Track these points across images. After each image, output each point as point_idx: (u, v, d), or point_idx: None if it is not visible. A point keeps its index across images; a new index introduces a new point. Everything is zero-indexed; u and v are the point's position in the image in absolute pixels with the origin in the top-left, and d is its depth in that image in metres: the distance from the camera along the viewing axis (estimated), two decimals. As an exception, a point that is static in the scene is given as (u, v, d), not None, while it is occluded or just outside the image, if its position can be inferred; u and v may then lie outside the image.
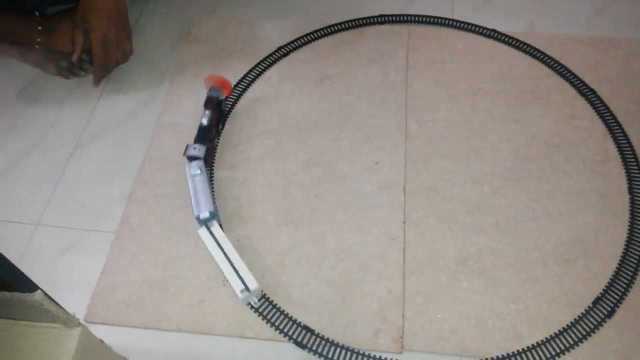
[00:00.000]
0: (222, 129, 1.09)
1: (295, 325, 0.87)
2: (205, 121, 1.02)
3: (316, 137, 1.11)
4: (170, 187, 1.04)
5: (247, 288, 0.87)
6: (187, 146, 0.99)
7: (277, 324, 0.87)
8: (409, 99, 1.16)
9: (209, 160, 1.01)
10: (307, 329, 0.87)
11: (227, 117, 1.12)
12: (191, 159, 0.98)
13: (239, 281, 0.87)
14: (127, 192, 1.04)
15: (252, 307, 0.89)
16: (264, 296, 0.90)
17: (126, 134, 1.13)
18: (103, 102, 1.19)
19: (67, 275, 0.95)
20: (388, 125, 1.12)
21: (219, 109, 1.08)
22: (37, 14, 1.11)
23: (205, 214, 0.92)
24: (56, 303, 0.68)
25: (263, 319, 0.88)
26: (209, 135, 1.02)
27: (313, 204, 1.02)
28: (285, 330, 0.87)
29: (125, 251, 0.97)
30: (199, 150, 0.98)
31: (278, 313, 0.89)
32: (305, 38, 1.27)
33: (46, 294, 0.68)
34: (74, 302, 0.90)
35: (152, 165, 1.07)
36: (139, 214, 1.01)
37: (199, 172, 0.95)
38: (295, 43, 1.26)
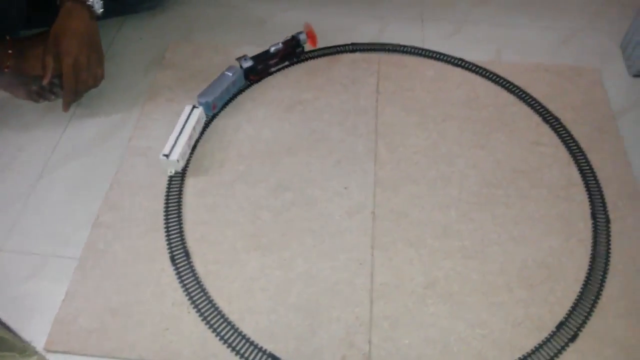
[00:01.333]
0: (286, 65, 1.28)
1: (260, 353, 0.86)
2: (272, 49, 1.21)
3: (287, 161, 1.12)
4: (138, 212, 1.03)
5: (167, 155, 1.03)
6: (244, 55, 1.20)
7: (242, 351, 0.86)
8: (379, 125, 1.18)
9: (248, 77, 1.22)
10: (273, 356, 0.86)
11: (295, 62, 1.29)
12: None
13: (169, 147, 1.05)
14: (93, 217, 1.03)
15: (169, 176, 1.05)
16: (229, 323, 0.89)
17: (95, 158, 1.13)
18: (73, 126, 1.19)
19: (29, 303, 0.93)
20: (358, 151, 1.14)
21: (293, 50, 1.25)
22: (7, 37, 1.11)
23: (204, 100, 1.13)
24: (12, 331, 0.67)
25: (228, 347, 0.87)
26: (265, 59, 1.22)
27: (282, 228, 1.02)
28: (251, 358, 0.86)
29: (89, 277, 0.95)
30: (245, 61, 1.19)
31: (244, 341, 0.88)
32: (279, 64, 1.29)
33: (2, 322, 0.66)
34: (35, 330, 0.88)
35: (121, 190, 1.07)
36: (105, 239, 1.00)
37: (230, 74, 1.17)
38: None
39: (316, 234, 1.01)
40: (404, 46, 1.34)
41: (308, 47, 1.31)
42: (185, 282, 0.94)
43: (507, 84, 1.26)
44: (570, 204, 1.05)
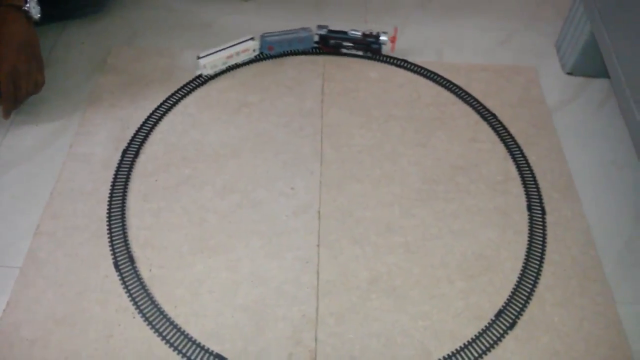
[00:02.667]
0: (358, 55, 1.32)
1: (207, 355, 0.87)
2: (350, 32, 1.25)
3: (233, 164, 1.12)
4: (80, 219, 1.02)
5: (200, 58, 1.20)
6: (326, 25, 1.27)
7: (189, 354, 0.86)
8: (324, 126, 1.20)
9: (319, 43, 1.32)
10: (220, 357, 0.87)
11: (368, 56, 1.33)
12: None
13: (207, 53, 1.22)
14: (34, 225, 1.01)
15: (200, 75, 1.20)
16: (175, 327, 0.89)
17: (36, 165, 1.10)
18: (12, 133, 1.16)
19: (-35, 315, 0.90)
20: (304, 152, 1.15)
21: (369, 45, 1.29)
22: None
23: (266, 37, 1.28)
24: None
25: (174, 350, 0.87)
26: (341, 38, 1.27)
27: (229, 230, 1.02)
28: (198, 360, 0.86)
29: (30, 287, 0.93)
30: (322, 29, 1.26)
31: (190, 343, 0.88)
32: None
33: None
34: (-28, 344, 0.86)
35: (62, 197, 1.05)
36: (47, 248, 0.98)
37: (303, 31, 1.26)
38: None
39: (263, 234, 1.02)
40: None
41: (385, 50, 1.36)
42: (130, 287, 0.93)
43: (448, 84, 1.30)
44: (507, 198, 1.10)
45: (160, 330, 0.89)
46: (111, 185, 1.06)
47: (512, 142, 1.19)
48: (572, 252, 1.02)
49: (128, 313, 0.91)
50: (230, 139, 1.16)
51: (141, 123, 1.17)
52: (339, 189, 1.10)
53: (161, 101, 1.21)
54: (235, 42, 1.25)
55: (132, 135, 1.15)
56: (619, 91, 1.11)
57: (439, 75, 1.32)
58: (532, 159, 1.17)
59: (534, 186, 1.12)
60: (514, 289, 0.97)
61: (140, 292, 0.93)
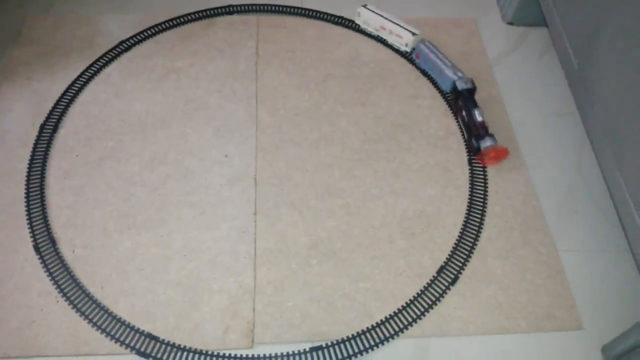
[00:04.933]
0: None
1: (137, 335, 0.82)
2: (478, 116, 1.07)
3: (162, 134, 1.06)
4: (-6, 201, 0.94)
5: (413, 33, 1.15)
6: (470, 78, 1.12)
7: (117, 336, 0.82)
8: (259, 89, 1.14)
9: (453, 94, 1.13)
10: (151, 336, 0.82)
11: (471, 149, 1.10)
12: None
13: (406, 30, 1.17)
14: (-56, 211, 0.93)
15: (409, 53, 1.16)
16: (102, 308, 0.84)
17: (-56, 147, 1.02)
18: None
19: None
20: (238, 117, 1.10)
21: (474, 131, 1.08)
22: None
23: (421, 45, 1.19)
24: None
25: (102, 333, 0.82)
26: (469, 114, 1.08)
27: (158, 204, 0.97)
28: (127, 341, 0.81)
29: (-59, 278, 0.86)
30: (464, 83, 1.10)
31: (119, 324, 0.83)
32: (148, 31, 1.21)
33: None
34: None
35: (-26, 179, 0.97)
36: (-43, 234, 0.91)
37: (454, 72, 1.13)
38: (137, 37, 1.20)
39: (195, 206, 0.97)
40: (283, 6, 1.29)
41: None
42: (52, 270, 0.87)
43: (387, 40, 1.25)
44: (448, 153, 1.08)
45: (86, 313, 0.83)
46: (28, 163, 0.99)
47: (453, 96, 1.16)
48: (513, 203, 1.01)
49: (51, 297, 0.85)
50: (158, 108, 1.09)
51: (60, 95, 1.08)
52: (275, 153, 1.05)
53: (81, 71, 1.13)
54: (400, 23, 1.19)
55: (50, 108, 1.06)
56: (557, 38, 1.09)
57: (377, 31, 1.27)
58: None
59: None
60: (455, 244, 0.96)
61: (63, 274, 0.87)
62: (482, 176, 1.04)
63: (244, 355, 0.81)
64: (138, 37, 1.20)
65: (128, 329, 0.82)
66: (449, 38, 1.28)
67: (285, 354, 0.82)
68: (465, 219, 0.99)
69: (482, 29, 1.32)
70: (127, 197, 0.97)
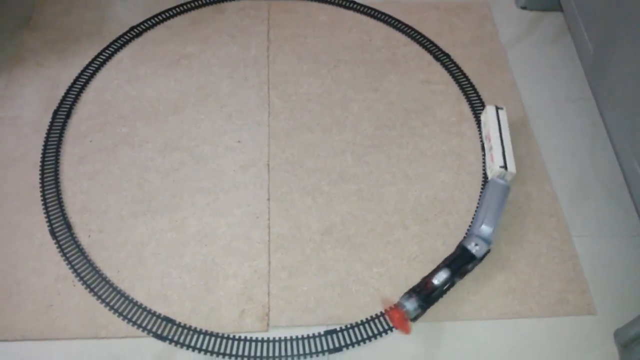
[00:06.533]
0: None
1: (154, 318, 0.83)
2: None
3: (174, 120, 1.06)
4: (10, 186, 0.95)
5: (505, 167, 0.95)
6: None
7: (134, 319, 0.83)
8: (271, 75, 1.14)
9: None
10: (168, 319, 0.83)
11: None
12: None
13: (502, 158, 0.96)
14: (-40, 196, 0.94)
15: (503, 179, 0.96)
16: (119, 292, 0.85)
17: (-42, 133, 1.02)
18: None
19: None
20: (250, 103, 1.10)
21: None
22: None
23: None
24: None
25: (119, 316, 0.83)
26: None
27: (172, 190, 0.97)
28: (144, 324, 0.82)
29: (-41, 262, 0.87)
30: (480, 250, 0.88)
31: (136, 307, 0.84)
32: (159, 16, 1.20)
33: None
34: None
35: (-11, 165, 0.97)
36: (-26, 219, 0.91)
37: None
38: (148, 22, 1.19)
39: (209, 191, 0.97)
40: (294, -9, 1.28)
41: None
42: (68, 255, 0.88)
43: (399, 25, 1.24)
44: (461, 139, 1.07)
45: (103, 296, 0.84)
46: (42, 149, 0.99)
47: (466, 82, 1.16)
48: (526, 188, 1.01)
49: (68, 281, 0.86)
50: (170, 94, 1.09)
51: (72, 81, 1.08)
52: (288, 139, 1.05)
53: (92, 57, 1.13)
54: (506, 147, 0.99)
55: (63, 94, 1.06)
56: (573, 23, 1.08)
57: (389, 16, 1.26)
58: (486, 98, 1.13)
59: (488, 125, 1.09)
60: (468, 230, 0.96)
61: (79, 259, 0.87)
62: (495, 162, 1.04)
63: (260, 338, 0.82)
64: (148, 22, 1.19)
65: (145, 313, 0.83)
66: (461, 22, 1.27)
67: (300, 337, 0.83)
68: (478, 205, 0.98)
69: (495, 13, 1.30)
70: (141, 182, 0.97)
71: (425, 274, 0.89)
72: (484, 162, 1.04)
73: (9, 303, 0.84)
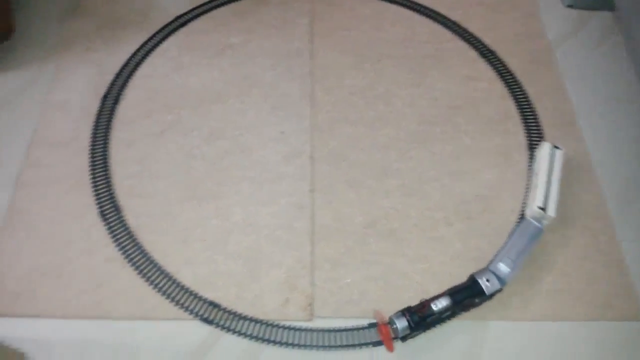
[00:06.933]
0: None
1: (200, 302, 0.84)
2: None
3: (219, 109, 1.07)
4: (61, 168, 0.97)
5: (544, 209, 0.88)
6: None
7: (181, 302, 0.84)
8: (314, 67, 1.14)
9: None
10: (214, 304, 0.84)
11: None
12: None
13: (543, 198, 0.90)
14: (14, 176, 0.96)
15: (539, 221, 0.89)
16: (167, 275, 0.86)
17: (11, 114, 1.04)
18: (-17, 82, 1.09)
19: (-55, 271, 0.86)
20: (294, 94, 1.10)
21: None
22: None
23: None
24: None
25: (167, 298, 0.84)
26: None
27: (217, 178, 0.98)
28: (191, 308, 0.83)
29: (13, 239, 0.89)
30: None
31: (182, 291, 0.85)
32: (204, 6, 1.21)
33: None
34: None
35: (41, 147, 0.99)
36: (28, 198, 0.93)
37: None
38: (193, 12, 1.20)
39: (253, 181, 0.98)
40: (338, -16, 1.28)
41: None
42: (118, 237, 0.89)
43: (443, 20, 1.23)
44: (506, 137, 1.06)
45: (152, 279, 0.86)
46: (92, 133, 1.01)
47: (512, 79, 1.14)
48: (574, 191, 1.00)
49: (117, 263, 0.87)
50: (215, 83, 1.10)
51: (120, 67, 1.10)
52: (331, 132, 1.05)
53: (139, 44, 1.14)
54: (553, 189, 0.93)
55: (112, 80, 1.08)
56: (624, 23, 1.06)
57: (434, 11, 1.25)
58: (532, 96, 1.12)
59: (534, 124, 1.08)
60: (513, 229, 0.95)
61: (128, 241, 0.89)
62: (540, 161, 1.03)
63: (305, 327, 0.83)
64: (193, 12, 1.20)
65: (192, 296, 0.84)
66: (507, 19, 1.26)
67: (345, 328, 0.83)
68: (523, 204, 0.97)
69: (541, 11, 1.28)
70: (187, 169, 0.98)
71: (469, 272, 0.89)
72: (529, 161, 1.03)
73: (60, 281, 0.85)
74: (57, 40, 1.15)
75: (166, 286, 0.85)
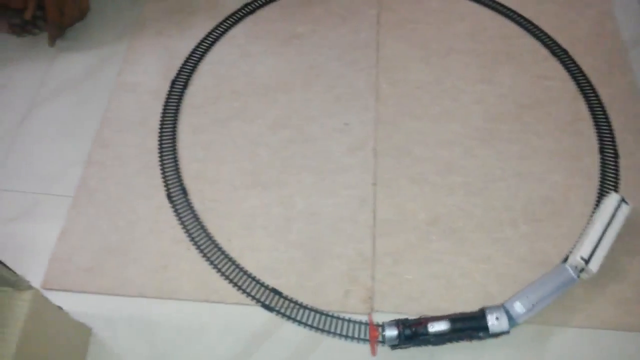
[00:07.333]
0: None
1: (262, 289, 0.85)
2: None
3: (284, 98, 1.07)
4: (130, 149, 0.99)
5: (587, 261, 0.82)
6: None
7: (244, 287, 0.85)
8: (380, 59, 1.13)
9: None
10: (275, 291, 0.85)
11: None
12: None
13: (589, 252, 0.83)
14: (85, 154, 0.99)
15: (576, 271, 0.83)
16: (230, 260, 0.88)
17: (83, 94, 1.08)
18: (59, 61, 1.13)
19: (21, 241, 0.90)
20: (359, 86, 1.09)
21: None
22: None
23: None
24: (5, 266, 0.64)
25: (230, 283, 0.86)
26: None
27: (281, 166, 0.98)
28: (253, 293, 0.85)
29: (83, 216, 0.92)
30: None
31: (245, 276, 0.86)
32: (272, -5, 1.22)
33: (-7, 258, 0.63)
34: (30, 269, 0.86)
35: (111, 127, 1.02)
36: (98, 177, 0.96)
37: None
38: (261, 0, 1.21)
39: (316, 171, 0.98)
40: (406, -24, 1.26)
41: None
42: (184, 219, 0.91)
43: (514, 16, 1.20)
44: (577, 139, 1.03)
45: (216, 262, 0.87)
46: (161, 116, 1.03)
47: (584, 80, 1.10)
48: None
49: (183, 245, 0.89)
50: (281, 72, 1.11)
51: (189, 53, 1.12)
52: (395, 125, 1.04)
53: (208, 30, 1.16)
54: (603, 243, 0.85)
55: (181, 65, 1.10)
56: None
57: (504, 7, 1.21)
58: (605, 98, 1.08)
59: (606, 128, 1.04)
60: (582, 234, 0.92)
61: (194, 224, 0.91)
62: (613, 167, 0.99)
63: (365, 321, 0.83)
64: (261, 0, 1.21)
65: (254, 282, 0.85)
66: (581, 18, 1.21)
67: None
68: (593, 211, 0.94)
69: (616, 10, 1.23)
70: (252, 156, 0.99)
71: (534, 276, 0.87)
72: (601, 165, 0.99)
73: (127, 260, 0.88)
74: (129, 22, 1.18)
75: (229, 271, 0.86)
